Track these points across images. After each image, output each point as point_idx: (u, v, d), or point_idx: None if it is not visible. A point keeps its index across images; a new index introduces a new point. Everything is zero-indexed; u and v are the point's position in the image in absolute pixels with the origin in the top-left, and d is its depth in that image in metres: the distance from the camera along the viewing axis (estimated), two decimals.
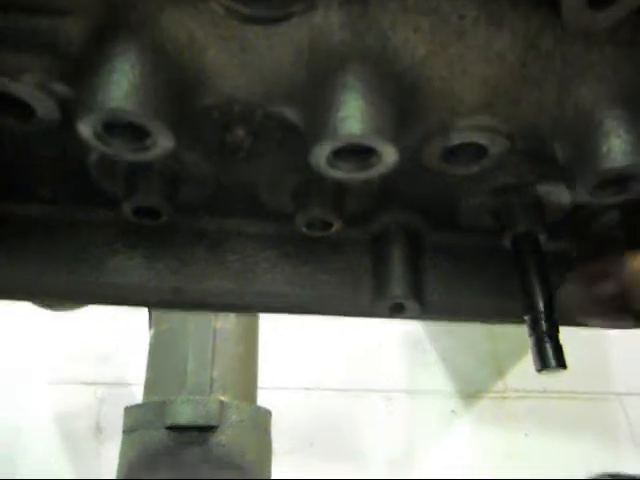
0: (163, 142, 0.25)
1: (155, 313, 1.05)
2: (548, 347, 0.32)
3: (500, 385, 1.73)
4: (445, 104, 0.28)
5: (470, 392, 1.71)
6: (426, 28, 0.26)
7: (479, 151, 0.31)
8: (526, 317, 0.34)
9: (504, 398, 1.72)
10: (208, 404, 0.90)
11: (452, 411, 1.68)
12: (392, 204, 0.38)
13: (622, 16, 0.25)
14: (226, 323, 0.99)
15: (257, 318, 1.09)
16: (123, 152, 0.26)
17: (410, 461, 1.57)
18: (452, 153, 0.32)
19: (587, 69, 0.27)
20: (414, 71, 0.26)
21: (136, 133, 0.25)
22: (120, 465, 0.97)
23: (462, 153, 0.32)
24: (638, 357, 1.72)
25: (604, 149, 0.27)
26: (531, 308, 0.34)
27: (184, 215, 0.38)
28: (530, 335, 0.34)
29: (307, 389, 1.61)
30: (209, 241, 0.38)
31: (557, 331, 0.33)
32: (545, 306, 0.33)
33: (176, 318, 1.00)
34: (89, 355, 1.75)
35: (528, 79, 0.27)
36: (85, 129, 0.24)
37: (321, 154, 0.25)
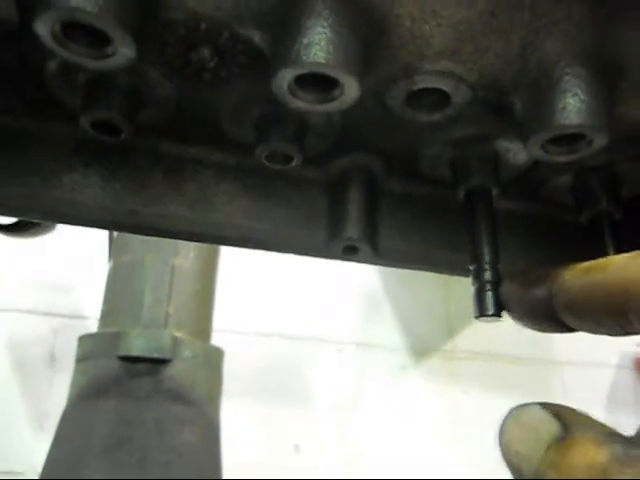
0: (124, 50, 0.24)
1: (115, 246, 1.04)
2: (489, 295, 0.34)
3: (450, 345, 1.80)
4: (412, 46, 0.28)
5: (421, 350, 1.78)
6: None
7: (442, 99, 0.32)
8: (471, 266, 0.35)
9: (452, 358, 1.79)
10: (162, 338, 0.91)
11: (402, 366, 1.74)
12: (353, 147, 0.39)
13: None
14: (185, 260, 0.99)
15: (216, 258, 1.09)
16: (82, 58, 0.25)
17: (357, 407, 1.63)
18: (415, 99, 0.32)
19: (553, 25, 0.27)
20: (384, 7, 0.26)
21: (96, 40, 0.25)
22: (70, 392, 0.97)
23: (425, 100, 0.32)
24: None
25: (560, 106, 0.28)
26: (477, 258, 0.35)
27: (144, 137, 0.37)
28: (473, 284, 0.35)
29: (261, 334, 1.64)
30: (168, 166, 0.38)
31: (499, 281, 0.34)
32: (490, 257, 0.35)
33: (135, 252, 0.99)
34: (45, 285, 1.73)
35: (495, 28, 0.28)
36: (43, 28, 0.23)
37: (283, 80, 0.25)
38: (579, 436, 0.22)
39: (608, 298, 0.23)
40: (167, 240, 1.08)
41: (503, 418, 0.25)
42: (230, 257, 1.67)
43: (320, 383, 1.62)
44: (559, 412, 0.23)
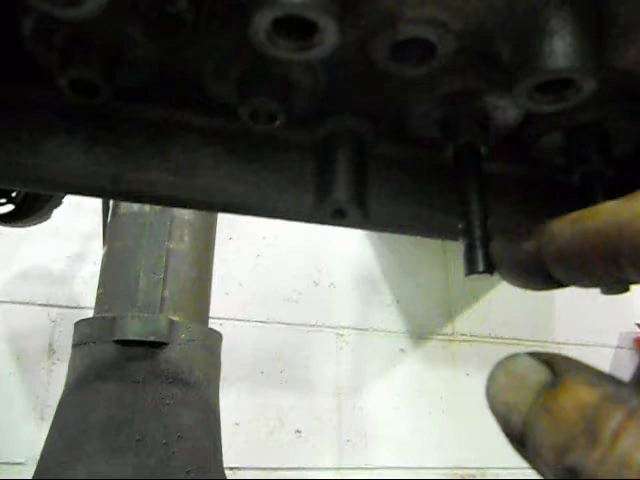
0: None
1: (109, 230, 1.04)
2: (479, 253, 0.33)
3: (449, 328, 1.79)
4: None
5: (420, 333, 1.77)
6: None
7: (428, 50, 0.31)
8: (460, 225, 0.35)
9: (452, 341, 1.79)
10: (157, 321, 0.91)
11: (401, 349, 1.74)
12: (340, 109, 0.38)
13: None
14: (180, 244, 0.99)
15: (212, 243, 1.09)
16: (51, 4, 0.24)
17: (357, 390, 1.64)
18: (400, 51, 0.31)
19: None
20: None
21: None
22: (68, 377, 0.97)
23: (410, 54, 0.31)
24: (579, 311, 1.80)
25: (547, 49, 0.27)
26: (466, 216, 0.34)
27: (127, 101, 0.37)
28: (462, 242, 0.34)
29: (260, 322, 1.64)
30: (152, 130, 0.37)
31: (488, 239, 0.33)
32: (479, 214, 0.34)
33: (129, 236, 0.99)
34: (43, 276, 1.73)
35: None
36: None
37: (260, 25, 0.25)
38: (569, 379, 0.21)
39: (599, 244, 0.23)
40: (162, 224, 1.07)
41: (491, 370, 0.25)
42: (228, 244, 1.67)
43: (320, 368, 1.62)
44: (548, 359, 0.23)
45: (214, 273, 1.06)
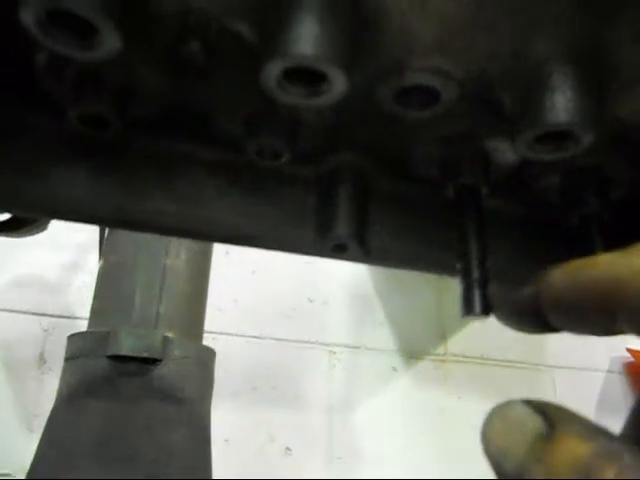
0: (110, 41, 0.24)
1: (106, 245, 1.04)
2: (476, 294, 0.33)
3: (441, 349, 1.80)
4: (401, 40, 0.28)
5: (412, 353, 1.78)
6: None
7: (431, 96, 0.32)
8: (459, 265, 0.35)
9: (444, 361, 1.79)
10: (152, 337, 0.91)
11: (393, 368, 1.74)
12: (344, 145, 0.39)
13: None
14: (176, 261, 0.99)
15: (209, 259, 1.09)
16: (66, 46, 0.25)
17: (349, 409, 1.63)
18: (405, 96, 0.32)
19: (543, 20, 0.27)
20: (374, 0, 0.26)
21: (82, 32, 0.25)
22: (60, 391, 0.97)
23: (414, 97, 0.32)
24: (570, 335, 1.80)
25: (548, 104, 0.28)
26: (465, 256, 0.35)
27: (135, 133, 0.37)
28: (461, 283, 0.35)
29: (254, 337, 1.63)
30: (158, 162, 0.38)
31: (487, 280, 0.34)
32: (478, 255, 0.35)
33: (126, 251, 0.99)
34: (36, 285, 1.72)
35: (483, 22, 0.28)
36: (27, 16, 0.23)
37: (271, 73, 0.25)
38: (564, 431, 0.22)
39: (597, 297, 0.23)
40: (158, 240, 1.07)
41: (486, 414, 0.25)
42: (224, 259, 1.67)
43: (311, 386, 1.62)
44: (544, 408, 0.23)
45: (209, 288, 1.06)
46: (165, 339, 0.91)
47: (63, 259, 1.71)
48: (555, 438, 0.21)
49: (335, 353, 1.66)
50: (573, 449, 0.20)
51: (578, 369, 1.83)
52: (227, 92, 0.33)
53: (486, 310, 0.33)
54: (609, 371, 1.94)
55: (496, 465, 0.23)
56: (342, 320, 1.71)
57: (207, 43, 0.29)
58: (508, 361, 1.78)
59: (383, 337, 1.74)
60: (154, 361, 0.90)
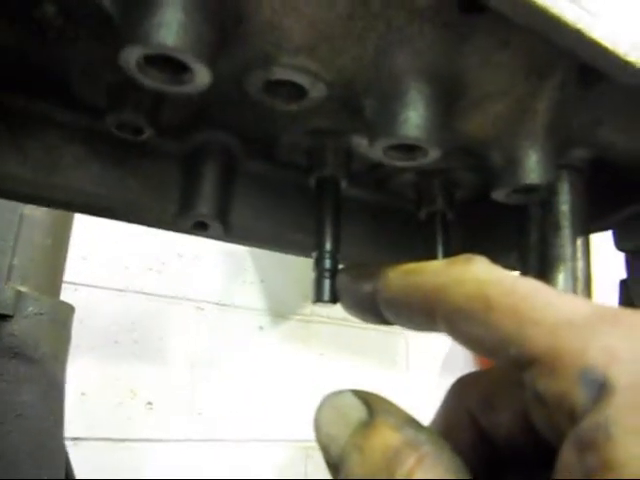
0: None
1: None
2: (326, 283, 0.36)
3: (308, 310, 1.86)
4: (271, 37, 0.28)
5: (280, 312, 1.82)
6: None
7: (300, 91, 0.32)
8: (313, 254, 0.37)
9: (309, 321, 1.86)
10: (3, 292, 0.85)
11: (260, 327, 1.78)
12: (212, 124, 0.38)
13: None
14: (36, 210, 0.92)
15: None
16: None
17: (211, 365, 1.65)
18: (273, 87, 0.32)
19: (405, 39, 0.29)
20: None
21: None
22: None
23: (283, 90, 0.33)
24: None
25: (401, 118, 0.30)
26: (319, 246, 0.37)
27: None
28: (313, 270, 0.37)
29: (119, 290, 1.58)
30: (10, 121, 0.35)
31: (336, 271, 0.36)
32: (331, 246, 0.37)
33: None
34: None
35: (353, 33, 0.29)
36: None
37: (130, 57, 0.24)
38: (381, 421, 0.24)
39: (419, 300, 0.26)
40: None
41: (319, 402, 0.27)
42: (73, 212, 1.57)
43: (176, 341, 1.60)
44: (367, 399, 0.26)
45: (73, 236, 1.01)
46: (17, 294, 0.85)
47: None
48: (373, 427, 0.24)
49: (203, 310, 1.66)
50: (386, 437, 0.23)
51: (428, 335, 1.99)
52: (87, 59, 0.31)
53: (333, 299, 0.35)
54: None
55: (323, 450, 0.25)
56: (212, 277, 1.70)
57: (63, 8, 0.27)
58: (369, 324, 1.89)
59: (252, 296, 1.76)
60: (4, 317, 0.85)
